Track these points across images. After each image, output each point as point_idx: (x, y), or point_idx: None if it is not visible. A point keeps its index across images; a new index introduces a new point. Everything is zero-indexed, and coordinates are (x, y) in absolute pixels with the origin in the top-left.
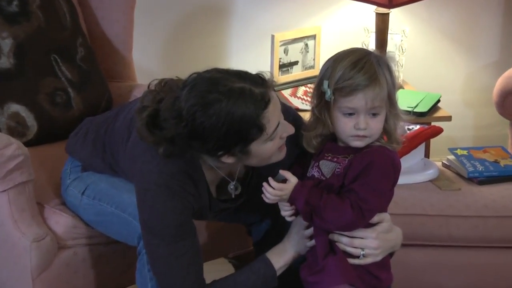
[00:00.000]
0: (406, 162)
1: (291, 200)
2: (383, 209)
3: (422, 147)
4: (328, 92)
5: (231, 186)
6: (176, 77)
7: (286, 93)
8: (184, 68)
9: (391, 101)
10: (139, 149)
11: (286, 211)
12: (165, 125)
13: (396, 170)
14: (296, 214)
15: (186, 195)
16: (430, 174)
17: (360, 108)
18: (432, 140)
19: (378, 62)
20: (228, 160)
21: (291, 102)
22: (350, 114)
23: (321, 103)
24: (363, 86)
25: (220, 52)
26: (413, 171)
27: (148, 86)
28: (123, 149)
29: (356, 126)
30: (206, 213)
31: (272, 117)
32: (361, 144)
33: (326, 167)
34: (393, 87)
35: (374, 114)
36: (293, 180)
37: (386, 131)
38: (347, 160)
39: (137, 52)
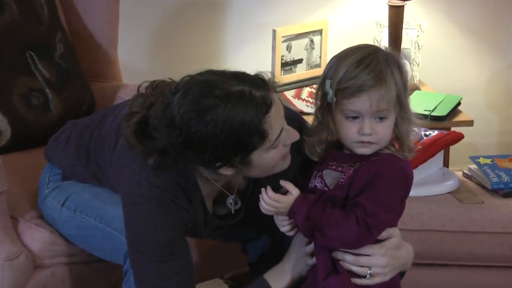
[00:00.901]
0: (423, 172)
1: (291, 214)
2: (392, 224)
3: (440, 156)
4: (330, 93)
5: (230, 200)
6: (169, 79)
7: (289, 94)
8: (175, 68)
9: (401, 103)
10: (127, 157)
11: (284, 226)
12: (155, 135)
13: (407, 181)
14: (297, 229)
15: (179, 209)
16: (449, 185)
17: (364, 111)
18: (452, 148)
19: (387, 60)
20: (227, 172)
21: (294, 105)
22: (354, 117)
23: (324, 105)
24: (368, 87)
25: (215, 49)
26: (431, 182)
27: (138, 89)
28: (109, 157)
29: (361, 131)
30: (201, 230)
31: (275, 122)
32: (367, 151)
33: (330, 177)
34: (403, 88)
35: (381, 118)
36: (294, 192)
37: (397, 137)
38: (352, 169)
39: (122, 49)
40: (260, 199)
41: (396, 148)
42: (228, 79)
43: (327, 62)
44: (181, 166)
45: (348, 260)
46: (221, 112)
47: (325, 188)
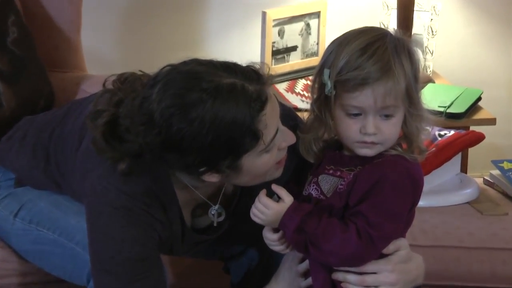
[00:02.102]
0: (437, 178)
1: (281, 226)
2: (400, 235)
3: (457, 159)
4: (329, 85)
5: (213, 211)
6: (140, 71)
7: (281, 87)
8: (148, 57)
9: (410, 98)
10: (93, 160)
11: (275, 244)
12: (127, 136)
13: (416, 187)
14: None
15: (152, 221)
16: (468, 194)
17: (367, 108)
18: (471, 150)
19: (395, 47)
20: (212, 178)
21: (287, 100)
22: (356, 114)
23: (321, 98)
24: (373, 79)
25: (195, 35)
26: (446, 190)
27: (104, 84)
28: (72, 160)
29: (363, 130)
30: (177, 247)
31: (270, 121)
32: (370, 152)
33: (327, 183)
34: (413, 80)
35: (387, 116)
36: (287, 200)
37: (406, 136)
38: (352, 174)
39: (86, 34)
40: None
41: (404, 148)
42: (217, 70)
43: (326, 48)
44: (156, 171)
45: (351, 280)
46: (209, 108)
47: (321, 196)
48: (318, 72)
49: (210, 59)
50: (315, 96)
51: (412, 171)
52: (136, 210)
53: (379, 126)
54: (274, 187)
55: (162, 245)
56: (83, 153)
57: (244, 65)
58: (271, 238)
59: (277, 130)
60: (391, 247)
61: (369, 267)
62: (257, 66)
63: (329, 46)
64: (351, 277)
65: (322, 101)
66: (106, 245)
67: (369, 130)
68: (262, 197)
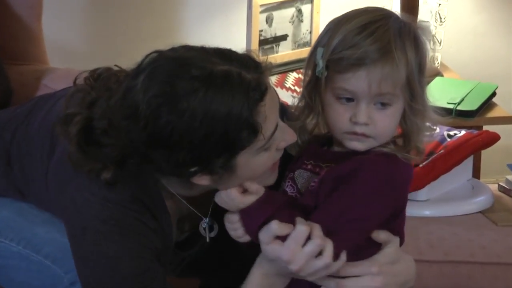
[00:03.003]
0: (446, 184)
1: (242, 215)
2: (374, 246)
3: (469, 163)
4: (320, 65)
5: (204, 224)
6: (116, 66)
7: (270, 81)
8: (119, 47)
9: (411, 90)
10: (69, 170)
11: (232, 223)
12: (105, 140)
13: (397, 191)
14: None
15: (146, 230)
16: (480, 202)
17: (360, 93)
18: (484, 153)
19: (399, 29)
20: (202, 181)
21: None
22: (348, 99)
23: (312, 81)
24: (369, 60)
25: (173, 23)
26: (456, 197)
27: (75, 82)
28: (43, 166)
29: (353, 119)
30: (165, 265)
31: (270, 113)
32: (360, 146)
33: (302, 179)
34: (417, 70)
35: (383, 105)
36: (252, 188)
37: (405, 134)
38: (324, 170)
39: (48, 22)
40: None
41: (399, 146)
42: (210, 56)
43: (324, 27)
44: (142, 179)
45: (330, 286)
46: (201, 97)
47: (296, 194)
48: (311, 53)
49: (202, 45)
50: (306, 80)
51: (394, 175)
52: (127, 219)
53: (373, 116)
54: (248, 183)
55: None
56: (57, 163)
57: (240, 52)
58: (233, 220)
59: (277, 125)
60: (382, 236)
61: (351, 269)
62: (255, 55)
63: (327, 25)
64: (329, 283)
65: (313, 84)
66: (99, 266)
67: (360, 119)
68: (233, 190)
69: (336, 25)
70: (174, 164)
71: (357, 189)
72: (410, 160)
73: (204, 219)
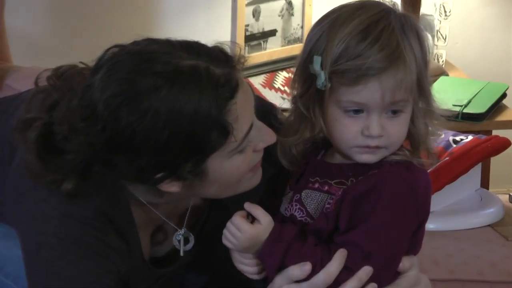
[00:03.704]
0: (452, 195)
1: (261, 256)
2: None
3: (477, 171)
4: (322, 77)
5: (178, 237)
6: (81, 63)
7: (257, 81)
8: (90, 44)
9: (421, 90)
10: (28, 181)
11: (246, 266)
12: (66, 147)
13: (421, 204)
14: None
15: (107, 251)
16: (490, 214)
17: (372, 104)
18: (493, 160)
19: (402, 26)
20: (171, 188)
21: (264, 97)
22: (356, 111)
23: (309, 92)
24: (379, 70)
25: (150, 17)
26: (463, 209)
27: (36, 81)
28: (1, 177)
29: (366, 132)
30: (136, 283)
31: (242, 112)
32: (372, 158)
33: (312, 202)
34: (424, 66)
35: (395, 112)
36: (264, 221)
37: (413, 137)
38: (341, 190)
39: (11, 14)
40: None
41: (409, 151)
42: (176, 50)
43: (312, 27)
44: (108, 187)
45: None
46: (165, 96)
47: (307, 218)
48: (304, 60)
49: (167, 37)
50: (300, 89)
51: (416, 184)
52: (86, 238)
53: (385, 126)
54: (248, 205)
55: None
56: (14, 172)
57: (209, 45)
58: (246, 262)
59: (252, 125)
60: (407, 264)
61: None
62: (226, 47)
63: (316, 26)
64: None
65: (311, 96)
66: (52, 286)
67: (374, 131)
68: (236, 217)
69: (330, 28)
70: (137, 170)
71: (383, 210)
72: (424, 165)
73: (179, 230)
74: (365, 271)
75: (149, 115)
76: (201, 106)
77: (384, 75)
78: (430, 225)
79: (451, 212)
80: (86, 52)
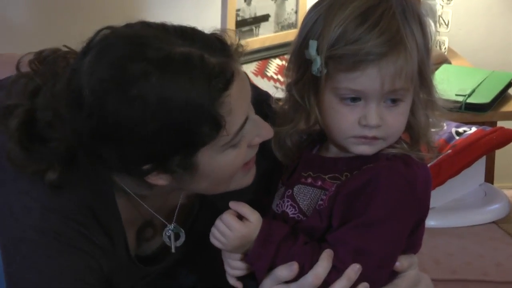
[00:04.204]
0: (455, 190)
1: (250, 259)
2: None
3: (481, 165)
4: (318, 62)
5: (168, 232)
6: (65, 46)
7: (248, 69)
8: (72, 28)
9: (422, 79)
10: (7, 170)
11: (232, 270)
12: (50, 134)
13: (420, 200)
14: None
15: (91, 247)
16: (494, 211)
17: (371, 92)
18: (498, 153)
19: (403, 11)
20: (159, 181)
21: (257, 86)
22: (353, 99)
23: (304, 79)
24: (378, 55)
25: (135, 2)
26: (466, 205)
27: (17, 65)
28: None
29: (363, 121)
30: (120, 283)
31: (237, 105)
32: (369, 150)
33: (305, 198)
34: (426, 54)
35: (394, 101)
36: (253, 219)
37: (413, 129)
38: (335, 185)
39: None
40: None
41: (408, 143)
42: (169, 36)
43: (307, 12)
44: (93, 178)
45: None
46: (154, 84)
47: (299, 215)
48: (299, 45)
49: (163, 22)
50: (294, 77)
51: (414, 179)
52: (69, 233)
53: (384, 116)
54: (233, 204)
55: (103, 278)
56: None
57: (206, 32)
58: (238, 267)
59: (247, 118)
60: (405, 263)
61: None
62: (224, 35)
63: (312, 10)
64: None
65: (306, 83)
66: (30, 283)
67: (371, 121)
68: (227, 215)
69: (328, 11)
70: (123, 160)
71: (378, 207)
72: (424, 159)
73: (168, 225)
74: (353, 269)
75: (137, 103)
76: (193, 96)
77: (384, 61)
78: (431, 222)
79: (454, 208)
80: (68, 36)
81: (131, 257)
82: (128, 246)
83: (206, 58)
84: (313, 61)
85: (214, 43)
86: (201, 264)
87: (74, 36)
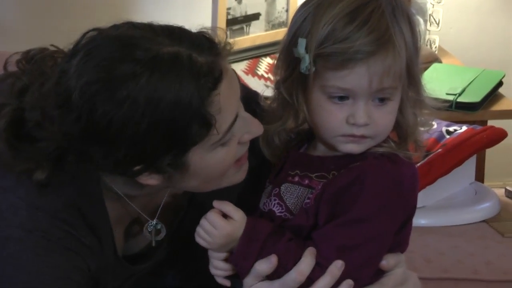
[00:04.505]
0: (445, 188)
1: (235, 259)
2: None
3: (471, 164)
4: (306, 60)
5: (149, 227)
6: (52, 45)
7: (239, 68)
8: (60, 26)
9: (411, 78)
10: None
11: (217, 271)
12: (39, 134)
13: (407, 199)
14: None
15: (78, 246)
16: (484, 209)
17: (359, 91)
18: (489, 152)
19: (393, 10)
20: (150, 181)
21: (246, 85)
22: (342, 97)
23: (293, 77)
24: (367, 54)
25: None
26: (457, 204)
27: (5, 65)
28: None
29: (351, 120)
30: (107, 282)
31: (226, 104)
32: (357, 149)
33: (292, 196)
34: (415, 53)
35: (382, 100)
36: (237, 217)
37: (400, 127)
38: (321, 184)
39: None
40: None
41: (396, 142)
42: (157, 36)
43: (297, 10)
44: (81, 178)
45: None
46: (143, 84)
47: (286, 213)
48: (288, 43)
49: (149, 22)
50: (283, 74)
51: (400, 178)
52: (56, 232)
53: (372, 114)
54: (217, 203)
55: (90, 277)
56: None
57: (194, 31)
58: (222, 267)
59: (237, 116)
60: (392, 262)
61: None
62: (212, 33)
63: (302, 8)
64: None
65: (294, 81)
66: (17, 283)
67: (359, 120)
68: (211, 214)
69: (317, 10)
70: (114, 162)
71: (364, 204)
72: (412, 158)
73: (150, 221)
74: (337, 266)
75: (126, 104)
76: (182, 96)
77: (372, 59)
78: (421, 221)
79: (444, 207)
80: (58, 34)
81: (118, 256)
82: (115, 245)
83: (194, 57)
84: (302, 59)
85: (202, 42)
86: (187, 264)
87: (63, 35)
